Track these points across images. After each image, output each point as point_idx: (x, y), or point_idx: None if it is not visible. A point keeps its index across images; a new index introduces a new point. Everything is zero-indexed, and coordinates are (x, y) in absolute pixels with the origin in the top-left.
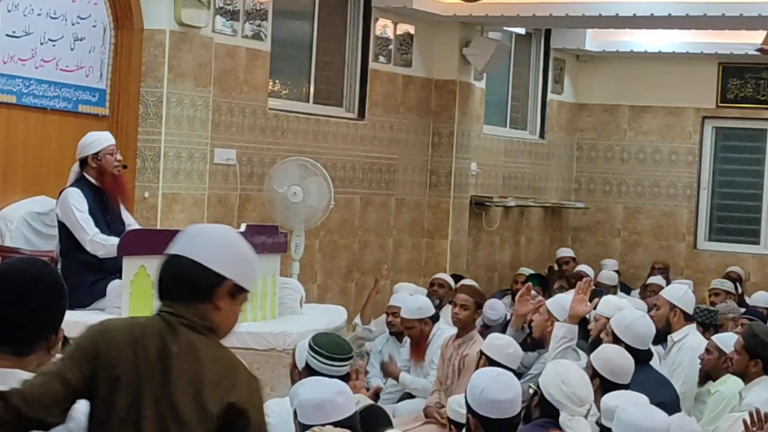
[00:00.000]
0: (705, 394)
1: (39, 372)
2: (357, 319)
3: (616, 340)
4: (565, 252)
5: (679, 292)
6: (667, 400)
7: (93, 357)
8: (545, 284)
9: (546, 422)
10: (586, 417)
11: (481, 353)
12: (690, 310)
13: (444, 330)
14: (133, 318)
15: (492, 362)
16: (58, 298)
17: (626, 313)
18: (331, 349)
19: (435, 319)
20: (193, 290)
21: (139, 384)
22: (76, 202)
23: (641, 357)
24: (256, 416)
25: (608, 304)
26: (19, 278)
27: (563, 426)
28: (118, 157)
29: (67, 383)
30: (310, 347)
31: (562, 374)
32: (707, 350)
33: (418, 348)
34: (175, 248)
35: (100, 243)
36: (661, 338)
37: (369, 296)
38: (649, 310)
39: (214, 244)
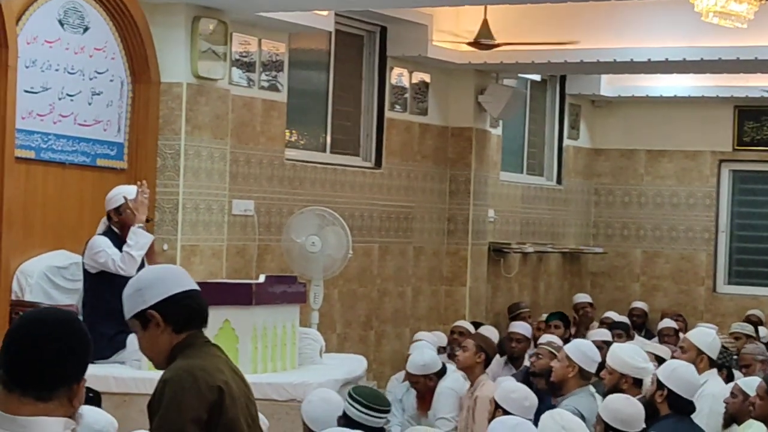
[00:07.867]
0: None
1: None
2: None
3: (660, 386)
4: (582, 298)
5: (708, 338)
6: None
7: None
8: (566, 321)
9: None
10: None
11: (496, 404)
12: (715, 356)
13: (453, 382)
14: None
15: (507, 414)
16: (79, 344)
17: (673, 361)
18: (370, 399)
19: (441, 373)
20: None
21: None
22: (104, 242)
23: (683, 407)
24: None
25: (613, 355)
26: (39, 324)
27: None
28: None
29: None
30: (350, 396)
31: (560, 421)
32: (732, 393)
33: (424, 401)
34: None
35: (127, 255)
36: None
37: None
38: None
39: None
